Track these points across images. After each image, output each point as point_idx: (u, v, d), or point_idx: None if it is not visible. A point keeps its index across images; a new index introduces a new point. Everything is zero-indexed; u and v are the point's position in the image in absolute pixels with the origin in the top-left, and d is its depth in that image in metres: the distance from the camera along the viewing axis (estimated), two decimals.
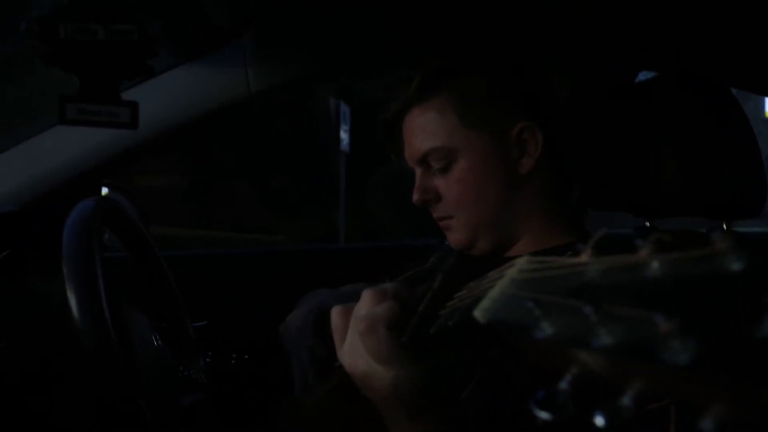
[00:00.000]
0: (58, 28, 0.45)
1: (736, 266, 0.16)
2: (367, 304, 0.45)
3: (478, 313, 0.26)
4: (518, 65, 0.78)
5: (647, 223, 0.91)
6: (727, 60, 1.00)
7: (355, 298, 0.49)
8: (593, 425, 0.18)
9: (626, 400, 0.17)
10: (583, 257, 0.22)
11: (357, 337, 0.46)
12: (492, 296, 0.26)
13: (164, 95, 1.03)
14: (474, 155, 0.73)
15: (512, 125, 0.74)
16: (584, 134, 0.82)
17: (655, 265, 0.19)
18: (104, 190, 1.16)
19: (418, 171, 0.77)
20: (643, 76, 1.06)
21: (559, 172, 0.77)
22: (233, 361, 1.23)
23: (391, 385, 0.44)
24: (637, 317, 0.17)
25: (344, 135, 5.84)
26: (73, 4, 0.47)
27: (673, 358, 0.16)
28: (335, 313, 0.50)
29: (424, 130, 0.75)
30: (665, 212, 0.86)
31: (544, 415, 0.20)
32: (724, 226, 0.89)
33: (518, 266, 0.27)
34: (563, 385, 0.20)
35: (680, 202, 0.82)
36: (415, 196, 0.77)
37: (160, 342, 0.85)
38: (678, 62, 1.00)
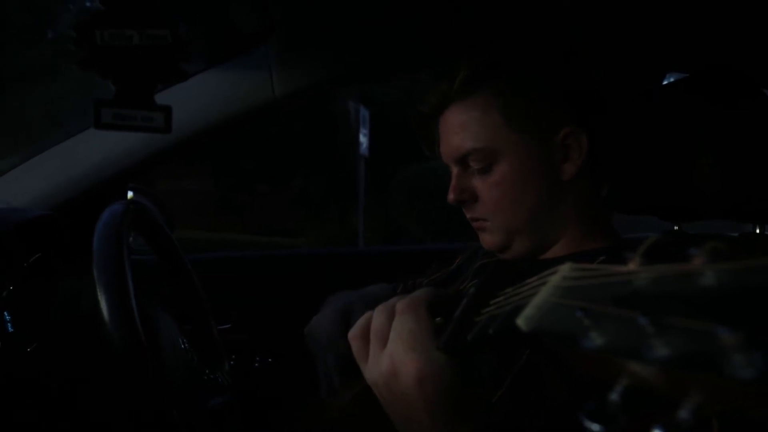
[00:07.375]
0: (94, 33, 0.46)
1: None
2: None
3: (521, 321, 0.26)
4: (565, 66, 0.76)
5: (675, 227, 0.90)
6: (759, 60, 0.98)
7: (379, 298, 0.49)
8: None
9: (684, 414, 0.17)
10: (631, 265, 0.22)
11: (380, 342, 0.46)
12: (535, 304, 0.26)
13: (190, 100, 1.04)
14: (516, 158, 0.71)
15: (557, 129, 0.71)
16: (617, 137, 0.81)
17: (711, 274, 0.18)
18: (130, 194, 1.18)
19: (455, 170, 0.75)
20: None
21: (597, 177, 0.75)
22: (257, 364, 1.24)
23: (417, 379, 0.43)
24: (697, 329, 0.16)
25: (364, 139, 5.85)
26: (107, 9, 0.48)
27: (739, 372, 0.15)
28: (354, 337, 0.49)
29: (466, 128, 0.72)
30: (695, 215, 0.85)
31: (595, 427, 0.19)
32: (757, 230, 0.87)
33: (561, 273, 0.26)
34: (613, 396, 0.19)
35: (711, 205, 0.80)
36: (451, 196, 0.74)
37: (186, 344, 0.86)
38: (708, 63, 0.98)
